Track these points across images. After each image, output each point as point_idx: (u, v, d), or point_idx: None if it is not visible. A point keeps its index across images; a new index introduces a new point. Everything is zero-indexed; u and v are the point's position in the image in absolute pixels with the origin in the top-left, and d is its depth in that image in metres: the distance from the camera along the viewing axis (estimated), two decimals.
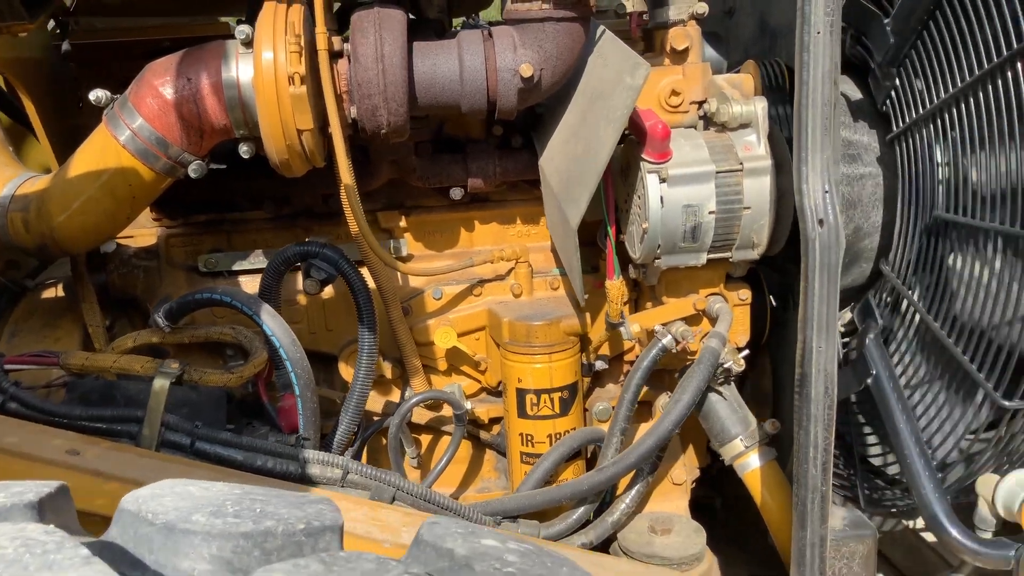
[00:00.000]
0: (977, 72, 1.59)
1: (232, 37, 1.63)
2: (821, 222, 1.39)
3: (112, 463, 1.49)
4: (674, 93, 1.84)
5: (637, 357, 1.91)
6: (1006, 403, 1.60)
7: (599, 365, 2.04)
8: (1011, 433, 1.68)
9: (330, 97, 1.61)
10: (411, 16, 1.91)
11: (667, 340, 1.83)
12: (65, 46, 2.15)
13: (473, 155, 1.99)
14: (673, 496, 2.09)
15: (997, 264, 1.60)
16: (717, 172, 1.68)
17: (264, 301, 1.77)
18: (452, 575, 0.75)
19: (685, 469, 2.12)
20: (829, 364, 1.43)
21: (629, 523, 1.93)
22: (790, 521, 1.61)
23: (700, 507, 2.47)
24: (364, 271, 1.87)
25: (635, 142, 1.74)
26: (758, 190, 1.70)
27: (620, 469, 1.78)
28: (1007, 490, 1.67)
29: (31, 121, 2.07)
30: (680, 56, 1.85)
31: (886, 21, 1.78)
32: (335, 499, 1.58)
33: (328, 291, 1.96)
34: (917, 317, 1.81)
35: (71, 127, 2.10)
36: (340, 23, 1.76)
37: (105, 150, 1.66)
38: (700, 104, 1.85)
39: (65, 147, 1.94)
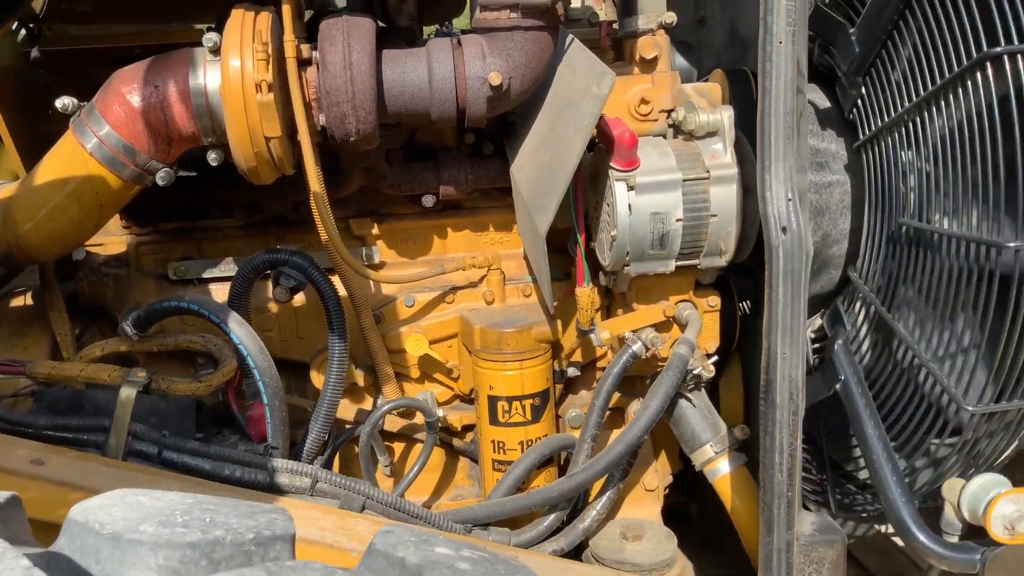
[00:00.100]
0: (939, 80, 1.62)
1: (201, 45, 1.63)
2: (784, 229, 1.40)
3: (77, 473, 1.48)
4: (643, 102, 1.86)
5: (609, 363, 1.92)
6: (970, 408, 1.62)
7: (571, 372, 2.05)
8: (976, 438, 1.70)
9: (298, 105, 1.61)
10: (381, 24, 1.92)
11: (637, 347, 1.84)
12: (34, 53, 2.14)
13: (445, 163, 1.99)
14: (645, 502, 2.10)
15: (959, 270, 1.62)
16: (684, 180, 1.69)
17: (233, 309, 1.77)
18: None
19: (657, 475, 2.13)
20: (794, 370, 1.44)
21: (601, 529, 1.94)
22: (759, 526, 1.62)
23: (675, 513, 2.48)
24: (335, 279, 1.87)
25: (604, 150, 1.75)
26: (724, 198, 1.71)
27: (590, 475, 1.79)
28: (972, 494, 1.69)
29: None
30: (649, 65, 1.87)
31: (851, 31, 1.80)
32: (304, 508, 1.58)
33: (299, 299, 1.96)
34: (883, 322, 1.82)
35: (40, 134, 2.08)
36: (310, 31, 1.76)
37: (72, 158, 1.65)
38: (669, 112, 1.86)
39: (34, 154, 1.92)
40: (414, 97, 1.68)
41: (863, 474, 2.01)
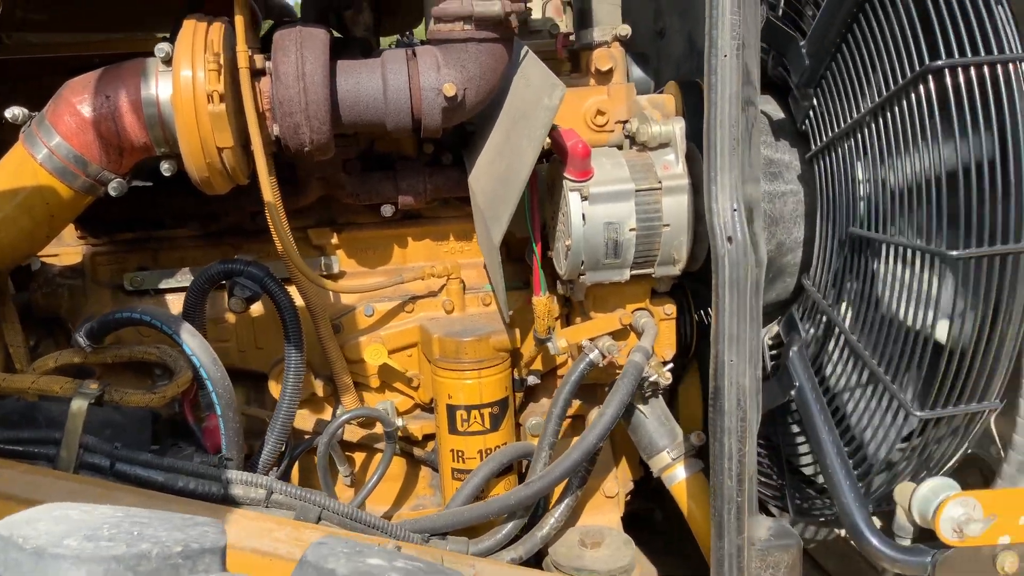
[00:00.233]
0: (885, 93, 1.65)
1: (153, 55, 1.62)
2: (730, 239, 1.42)
3: (25, 487, 1.47)
4: (600, 113, 1.87)
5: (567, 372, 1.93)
6: (918, 413, 1.65)
7: (531, 380, 2.06)
8: (926, 442, 1.73)
9: (251, 115, 1.61)
10: (338, 35, 1.92)
11: (594, 355, 1.86)
12: None
13: (403, 172, 2.00)
14: (605, 509, 2.11)
15: (907, 278, 1.65)
16: (637, 191, 1.71)
17: (188, 320, 1.76)
18: None
19: (617, 482, 2.14)
20: (741, 377, 1.46)
21: (560, 537, 1.95)
22: None
23: (641, 519, 2.50)
24: (293, 289, 1.87)
25: (559, 161, 1.77)
26: (676, 208, 1.73)
27: (546, 484, 1.79)
28: (922, 498, 1.71)
29: None
30: (605, 76, 1.89)
31: (801, 43, 1.83)
32: (259, 520, 1.58)
33: (257, 309, 1.96)
34: (836, 329, 1.85)
35: None
36: (269, 42, 1.76)
37: (22, 168, 1.64)
38: (625, 123, 1.88)
39: None
40: (369, 107, 1.69)
41: (821, 478, 2.04)
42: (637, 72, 2.10)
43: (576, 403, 2.09)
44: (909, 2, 1.57)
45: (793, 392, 1.89)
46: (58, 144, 1.61)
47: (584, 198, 1.70)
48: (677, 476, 1.90)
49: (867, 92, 1.71)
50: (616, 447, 2.19)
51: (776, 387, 1.93)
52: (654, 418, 1.92)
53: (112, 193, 1.67)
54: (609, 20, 1.88)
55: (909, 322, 1.66)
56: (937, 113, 1.54)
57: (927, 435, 1.71)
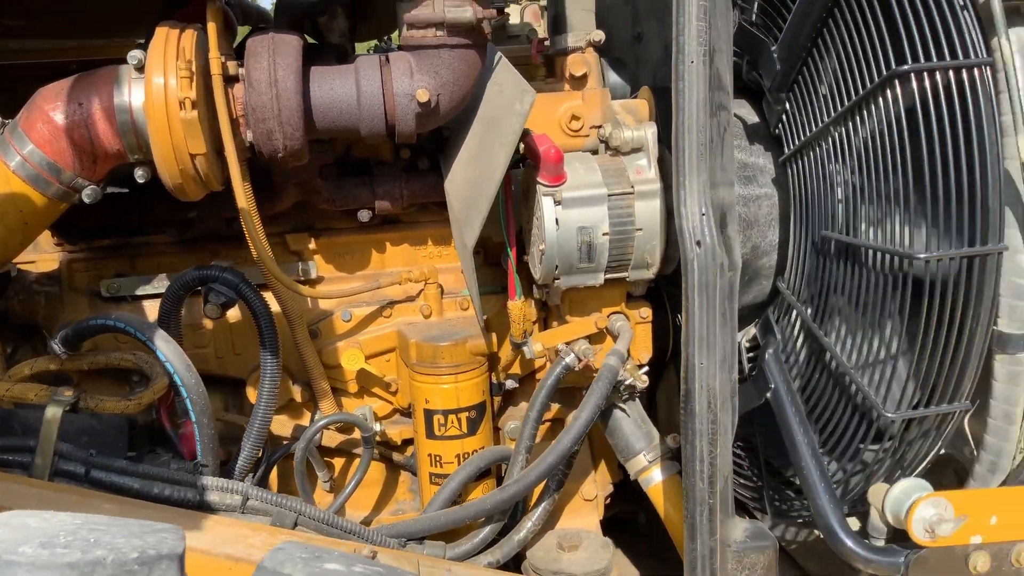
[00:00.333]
0: (854, 97, 1.67)
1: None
2: (699, 243, 1.43)
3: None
4: (574, 118, 1.89)
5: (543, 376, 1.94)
6: (889, 414, 1.67)
7: (509, 384, 2.06)
8: (897, 443, 1.74)
9: (224, 121, 1.61)
10: (313, 41, 1.93)
11: (570, 359, 1.87)
12: None
13: (379, 178, 2.00)
14: (584, 512, 2.12)
15: (876, 280, 1.67)
16: (609, 195, 1.73)
17: (163, 326, 1.76)
18: None
19: (596, 485, 2.15)
20: (711, 380, 1.47)
21: (538, 540, 1.95)
22: None
23: (624, 522, 2.51)
24: (268, 294, 1.87)
25: (533, 166, 1.77)
26: (648, 212, 1.74)
27: (522, 487, 1.80)
28: (894, 499, 1.73)
29: None
30: (579, 82, 1.90)
31: (773, 48, 1.85)
32: (234, 526, 1.58)
33: (235, 315, 1.96)
34: (810, 331, 1.87)
35: None
36: (244, 49, 1.77)
37: None
38: (600, 128, 1.90)
39: None
40: (343, 113, 1.69)
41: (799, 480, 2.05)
42: (613, 77, 2.11)
43: (555, 407, 2.10)
44: (876, 7, 1.59)
45: (769, 394, 1.90)
46: (31, 151, 1.62)
47: (557, 203, 1.71)
48: (654, 479, 1.91)
49: (837, 96, 1.73)
50: (595, 450, 2.20)
51: (752, 389, 1.95)
52: (631, 421, 1.93)
53: (86, 200, 1.68)
54: (583, 26, 1.89)
55: (889, 322, 1.68)
56: (904, 117, 1.56)
57: (900, 436, 1.73)
